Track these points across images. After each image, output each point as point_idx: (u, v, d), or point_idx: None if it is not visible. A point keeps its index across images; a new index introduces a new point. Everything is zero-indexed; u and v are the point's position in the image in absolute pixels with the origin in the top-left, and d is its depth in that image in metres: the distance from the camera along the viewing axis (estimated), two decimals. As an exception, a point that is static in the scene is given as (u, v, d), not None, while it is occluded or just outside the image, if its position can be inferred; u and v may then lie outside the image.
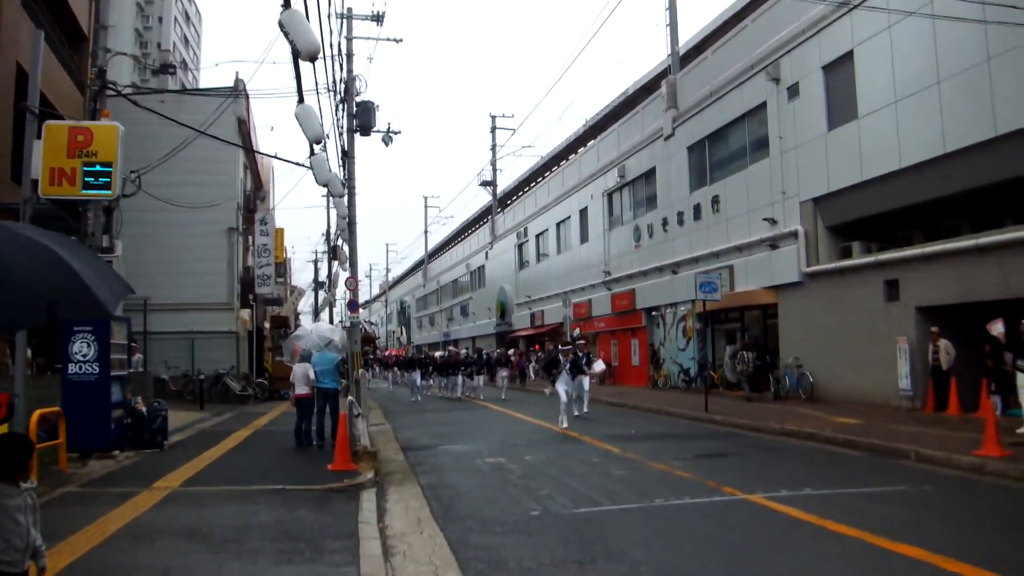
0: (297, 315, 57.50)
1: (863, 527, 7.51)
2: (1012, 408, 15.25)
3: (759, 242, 23.98)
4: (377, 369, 50.69)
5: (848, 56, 20.28)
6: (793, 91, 22.51)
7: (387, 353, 59.54)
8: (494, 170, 59.07)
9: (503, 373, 31.48)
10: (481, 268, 59.88)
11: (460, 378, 29.84)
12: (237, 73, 37.04)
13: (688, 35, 35.72)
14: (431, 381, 32.38)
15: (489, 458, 13.30)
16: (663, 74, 33.18)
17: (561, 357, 19.52)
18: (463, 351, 38.17)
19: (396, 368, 40.39)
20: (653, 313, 32.29)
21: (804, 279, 22.03)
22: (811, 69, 21.74)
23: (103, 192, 13.93)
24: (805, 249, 21.96)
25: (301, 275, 78.18)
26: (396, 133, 22.63)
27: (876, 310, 19.30)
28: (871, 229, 20.49)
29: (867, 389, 19.28)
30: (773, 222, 23.22)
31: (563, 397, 18.23)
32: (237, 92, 28.47)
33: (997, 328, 14.64)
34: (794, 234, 22.29)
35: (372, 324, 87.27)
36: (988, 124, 16.10)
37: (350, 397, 14.56)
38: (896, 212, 19.26)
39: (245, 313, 32.65)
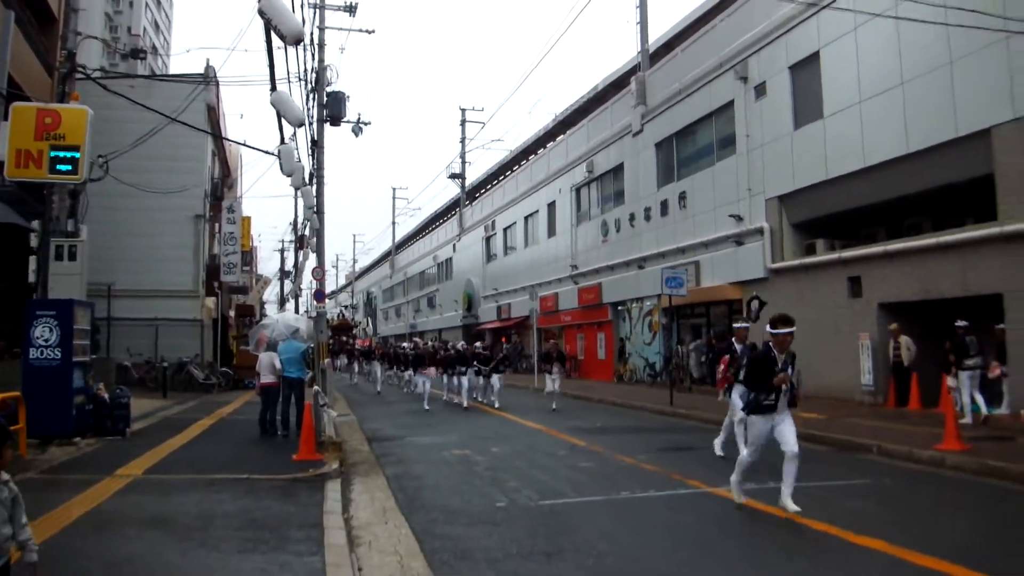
0: (263, 304, 56.93)
1: (827, 520, 7.65)
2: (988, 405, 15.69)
3: (725, 238, 24.20)
4: (362, 363, 39.98)
5: (814, 57, 20.51)
6: (760, 90, 22.73)
7: (365, 343, 52.40)
8: (463, 163, 59.05)
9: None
10: (448, 260, 59.82)
11: (467, 379, 22.16)
12: (208, 60, 36.88)
13: (658, 33, 35.87)
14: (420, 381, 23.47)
15: (455, 450, 13.33)
16: (633, 71, 33.34)
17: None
18: (442, 343, 33.01)
19: (384, 362, 31.79)
20: (619, 308, 32.46)
21: (769, 275, 22.28)
22: (778, 69, 21.96)
23: (70, 176, 13.73)
24: (770, 245, 22.21)
25: (267, 264, 77.81)
26: (366, 124, 22.47)
27: (840, 306, 19.58)
28: (835, 226, 20.76)
29: (831, 384, 19.55)
30: (739, 219, 23.45)
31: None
32: (207, 79, 28.18)
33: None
34: (760, 231, 22.52)
35: (351, 307, 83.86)
36: (950, 125, 16.39)
37: (316, 387, 14.49)
38: (860, 210, 19.54)
39: (210, 301, 32.36)
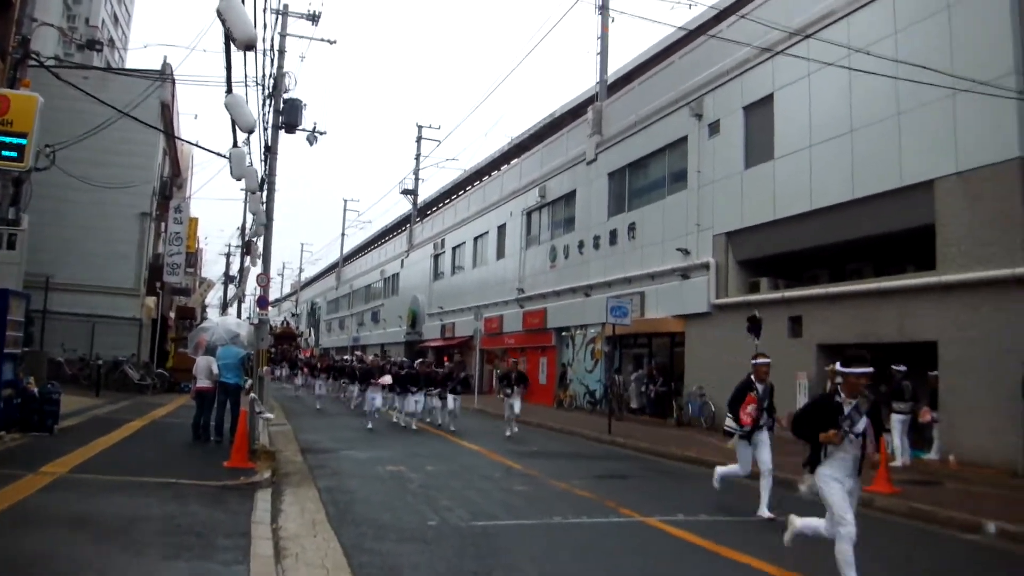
0: (204, 308, 55.99)
1: (755, 555, 7.72)
2: (915, 449, 16.01)
3: (671, 271, 24.43)
4: (305, 374, 37.22)
5: (768, 99, 20.89)
6: (714, 128, 23.08)
7: (307, 354, 49.30)
8: (416, 179, 58.96)
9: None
10: (396, 276, 59.51)
11: (420, 398, 20.59)
12: (165, 57, 36.49)
13: (618, 64, 36.30)
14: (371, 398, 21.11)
15: (390, 466, 13.23)
16: (590, 100, 33.64)
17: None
18: (388, 360, 28.87)
19: (329, 376, 29.99)
20: (563, 333, 32.55)
21: (712, 310, 22.52)
22: (733, 108, 22.33)
23: (15, 163, 13.41)
24: (715, 281, 22.47)
25: (212, 267, 76.46)
26: (322, 133, 22.32)
27: (780, 345, 19.80)
28: (780, 266, 21.09)
29: (765, 421, 19.73)
30: (686, 252, 23.70)
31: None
32: (164, 76, 27.81)
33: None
34: (706, 266, 22.78)
35: (295, 316, 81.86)
36: (895, 175, 16.78)
37: (252, 394, 14.27)
38: (805, 252, 19.88)
39: (151, 301, 31.77)
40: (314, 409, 26.53)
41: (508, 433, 19.18)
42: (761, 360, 10.38)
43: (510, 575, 6.82)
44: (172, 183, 35.47)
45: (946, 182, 15.71)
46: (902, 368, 15.35)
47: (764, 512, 9.60)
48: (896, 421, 15.09)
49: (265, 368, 17.17)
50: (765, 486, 9.87)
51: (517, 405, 19.57)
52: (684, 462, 15.47)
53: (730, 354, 21.54)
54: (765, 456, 10.12)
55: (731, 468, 10.61)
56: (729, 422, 10.56)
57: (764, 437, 10.27)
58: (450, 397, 20.72)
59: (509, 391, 19.71)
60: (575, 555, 7.75)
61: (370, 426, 19.79)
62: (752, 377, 10.40)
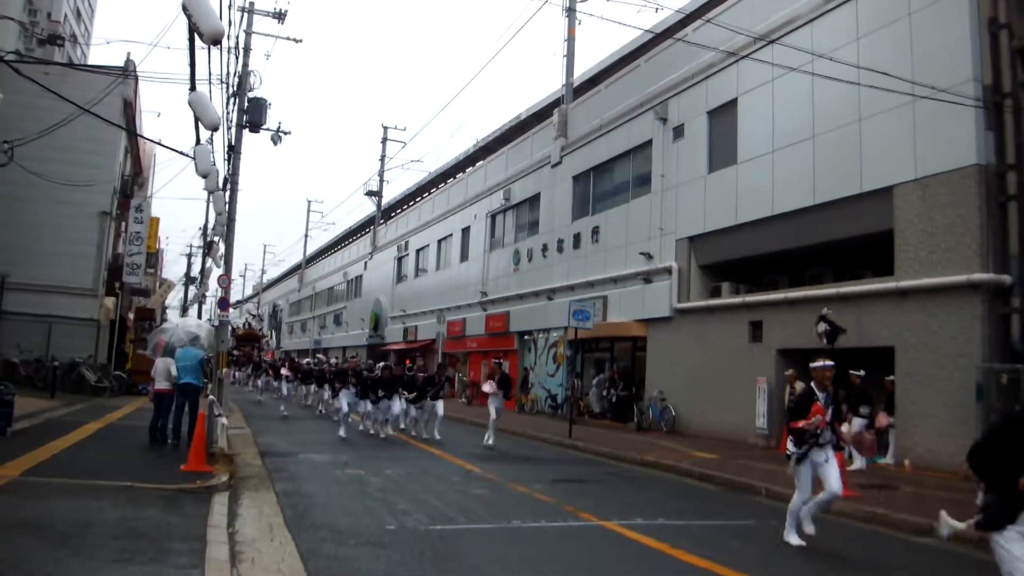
0: (164, 309, 55.24)
1: (711, 558, 7.69)
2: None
3: (634, 275, 24.48)
4: (269, 377, 35.77)
5: (732, 104, 21.01)
6: (679, 132, 23.17)
7: (268, 356, 47.89)
8: (381, 180, 58.65)
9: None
10: (359, 278, 59.18)
11: (396, 405, 19.00)
12: (128, 54, 35.73)
13: (584, 67, 36.38)
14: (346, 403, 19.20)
15: (349, 469, 13.10)
16: (556, 103, 33.68)
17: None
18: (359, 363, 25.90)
19: (295, 380, 28.47)
20: (526, 337, 32.51)
21: (674, 314, 22.59)
22: (697, 112, 22.43)
23: (-29, 158, 13.10)
24: (677, 285, 22.54)
25: (173, 268, 75.66)
26: (286, 133, 22.06)
27: (740, 349, 19.94)
28: (741, 271, 21.21)
29: (726, 425, 19.86)
30: (649, 257, 23.76)
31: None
32: (126, 73, 27.37)
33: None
34: (668, 270, 22.85)
35: (257, 318, 79.36)
36: (855, 180, 16.93)
37: (211, 396, 14.05)
38: (766, 256, 20.01)
39: (109, 301, 31.21)
40: (279, 415, 24.79)
41: (488, 441, 17.87)
42: (824, 364, 8.71)
43: (466, 579, 6.74)
44: (133, 182, 34.94)
45: (905, 188, 15.88)
46: (861, 373, 15.49)
47: (793, 538, 8.53)
48: (857, 425, 15.20)
49: (225, 370, 16.96)
50: (814, 508, 8.62)
51: (494, 410, 18.08)
52: (644, 466, 15.45)
53: (691, 359, 21.66)
54: (833, 477, 8.43)
55: (794, 501, 8.86)
56: (790, 445, 8.92)
57: (830, 455, 8.62)
58: (437, 403, 18.99)
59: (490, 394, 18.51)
60: (533, 559, 7.68)
61: (344, 435, 17.91)
62: (813, 385, 8.77)
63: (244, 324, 59.74)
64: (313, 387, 27.81)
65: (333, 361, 28.76)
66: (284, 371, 28.97)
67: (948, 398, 14.72)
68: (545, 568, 7.37)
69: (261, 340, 53.64)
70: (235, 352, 43.95)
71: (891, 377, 15.86)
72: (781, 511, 10.51)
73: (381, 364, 23.82)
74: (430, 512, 9.59)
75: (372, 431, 19.19)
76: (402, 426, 20.10)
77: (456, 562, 7.28)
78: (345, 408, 18.90)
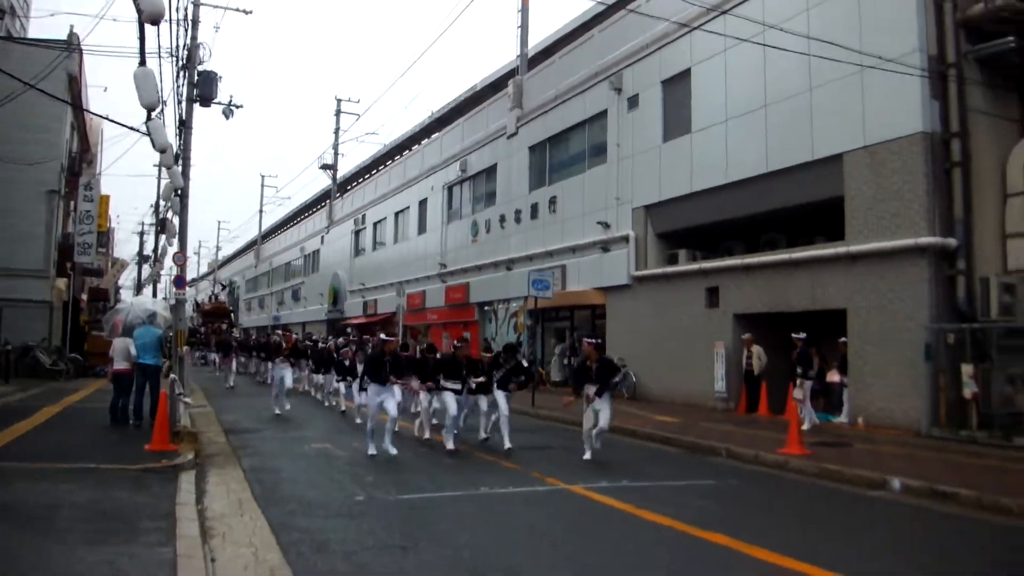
0: (118, 289, 54.27)
1: (675, 516, 7.97)
2: (825, 413, 16.70)
3: (592, 244, 24.72)
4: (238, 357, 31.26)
5: (686, 73, 21.22)
6: (633, 102, 23.35)
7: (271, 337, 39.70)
8: (336, 154, 58.18)
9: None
10: (316, 253, 58.79)
11: (454, 402, 13.11)
12: (72, 27, 34.69)
13: (539, 38, 36.29)
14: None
15: (315, 444, 13.21)
16: (511, 73, 33.63)
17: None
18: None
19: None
20: (486, 308, 32.67)
21: (632, 282, 22.89)
22: (651, 82, 22.61)
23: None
24: (635, 253, 22.82)
25: (125, 247, 74.32)
26: (238, 107, 21.85)
27: (697, 315, 20.31)
28: (697, 238, 21.53)
29: (686, 390, 20.25)
30: (606, 226, 24.00)
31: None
32: (71, 46, 26.79)
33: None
34: (625, 238, 23.12)
35: (229, 287, 74.58)
36: (807, 148, 17.27)
37: (172, 375, 14.01)
38: (721, 224, 20.33)
39: (61, 283, 30.75)
40: (271, 417, 17.35)
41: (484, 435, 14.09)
42: None
43: (439, 544, 6.92)
44: (81, 159, 34.28)
45: (854, 156, 16.25)
46: (802, 336, 15.89)
47: None
48: (804, 386, 15.63)
49: (185, 348, 16.87)
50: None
51: (483, 401, 13.87)
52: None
53: (650, 325, 22.00)
54: None
55: None
56: None
57: None
58: (500, 394, 13.43)
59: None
60: (502, 522, 7.90)
61: (372, 451, 12.02)
62: None
63: (210, 298, 57.17)
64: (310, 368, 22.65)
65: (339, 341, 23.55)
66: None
67: (898, 358, 15.21)
68: (514, 531, 7.59)
69: (231, 315, 51.23)
70: (202, 330, 43.12)
71: (843, 339, 16.32)
72: (741, 471, 10.90)
73: (341, 339, 23.59)
74: (399, 482, 9.77)
75: (426, 436, 14.08)
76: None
77: (426, 529, 7.47)
78: (391, 411, 12.65)
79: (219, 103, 20.36)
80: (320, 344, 23.01)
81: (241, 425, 15.61)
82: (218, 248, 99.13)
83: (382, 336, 12.98)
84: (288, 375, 18.79)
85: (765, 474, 11.10)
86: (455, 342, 14.54)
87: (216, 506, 8.25)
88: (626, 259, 23.07)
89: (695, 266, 20.69)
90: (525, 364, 15.15)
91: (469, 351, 14.41)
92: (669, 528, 7.64)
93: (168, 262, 33.94)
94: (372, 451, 12.01)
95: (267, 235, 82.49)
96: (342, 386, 18.31)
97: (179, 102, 18.96)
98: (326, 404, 20.16)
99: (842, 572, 6.17)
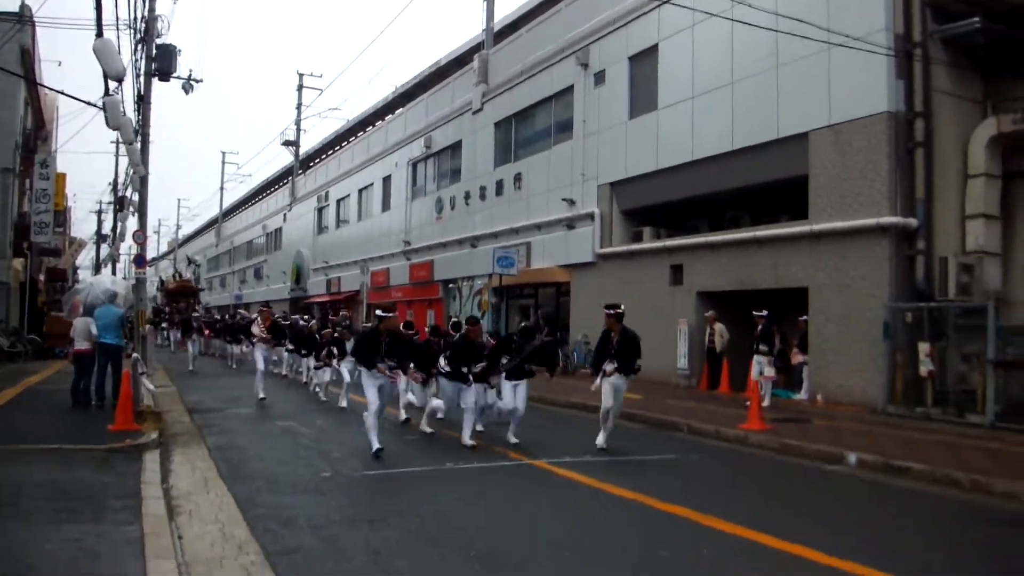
0: (76, 269, 53.34)
1: (637, 489, 8.03)
2: (786, 390, 16.89)
3: (557, 221, 24.70)
4: (207, 338, 31.09)
5: (653, 49, 21.18)
6: (600, 78, 23.29)
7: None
8: (298, 130, 57.62)
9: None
10: (278, 230, 58.28)
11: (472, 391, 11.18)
12: (24, -1, 33.77)
13: (504, 11, 36.10)
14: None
15: (280, 421, 13.15)
16: (476, 48, 33.36)
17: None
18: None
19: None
20: (451, 285, 32.58)
21: (597, 259, 22.92)
22: (618, 58, 22.55)
23: None
24: (600, 231, 22.84)
25: (83, 226, 73.00)
26: (198, 81, 21.44)
27: (661, 293, 20.40)
28: (662, 216, 21.60)
29: (649, 367, 20.14)
30: (572, 203, 23.98)
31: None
32: (23, 19, 26.13)
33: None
34: (591, 216, 23.12)
35: (195, 264, 68.76)
36: (772, 126, 17.34)
37: (135, 355, 13.82)
38: (686, 201, 20.41)
39: (18, 263, 30.10)
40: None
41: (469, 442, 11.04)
42: None
43: (406, 518, 6.91)
44: (36, 136, 33.50)
45: (819, 134, 16.34)
46: (763, 313, 16.01)
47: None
48: (763, 363, 15.77)
49: (147, 327, 16.66)
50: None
51: (469, 397, 11.28)
52: (570, 408, 15.81)
53: (613, 302, 22.04)
54: None
55: None
56: None
57: None
58: (507, 386, 11.62)
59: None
60: (467, 496, 7.92)
61: (377, 447, 9.95)
62: None
63: (174, 275, 55.59)
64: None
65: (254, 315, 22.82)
66: (257, 329, 18.37)
67: (858, 336, 15.39)
68: (479, 503, 7.62)
69: (198, 293, 49.42)
70: (166, 310, 42.28)
71: (805, 317, 16.48)
72: (703, 446, 11.00)
73: (307, 316, 23.27)
74: (364, 459, 9.74)
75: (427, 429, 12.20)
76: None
77: (392, 503, 7.49)
78: (413, 400, 13.10)
79: (178, 77, 19.99)
80: (301, 321, 21.78)
81: (205, 405, 15.45)
82: (178, 227, 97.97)
83: (378, 312, 10.84)
84: (260, 357, 16.72)
85: (726, 449, 11.22)
86: (465, 320, 12.43)
87: (182, 484, 8.21)
88: (591, 236, 23.09)
89: (660, 244, 20.76)
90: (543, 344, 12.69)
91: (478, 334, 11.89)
92: (633, 501, 7.69)
93: (127, 241, 33.41)
94: (376, 445, 9.91)
95: (228, 213, 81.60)
96: (327, 373, 16.69)
97: (137, 76, 18.61)
98: (314, 391, 17.36)
99: (796, 542, 6.26)
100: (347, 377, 15.52)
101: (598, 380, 10.85)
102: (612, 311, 11.02)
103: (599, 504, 7.65)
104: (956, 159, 15.69)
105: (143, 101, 18.03)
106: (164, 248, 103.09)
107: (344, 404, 15.22)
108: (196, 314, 34.56)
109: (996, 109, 15.78)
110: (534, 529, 6.70)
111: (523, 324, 11.93)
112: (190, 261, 62.79)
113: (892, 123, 15.11)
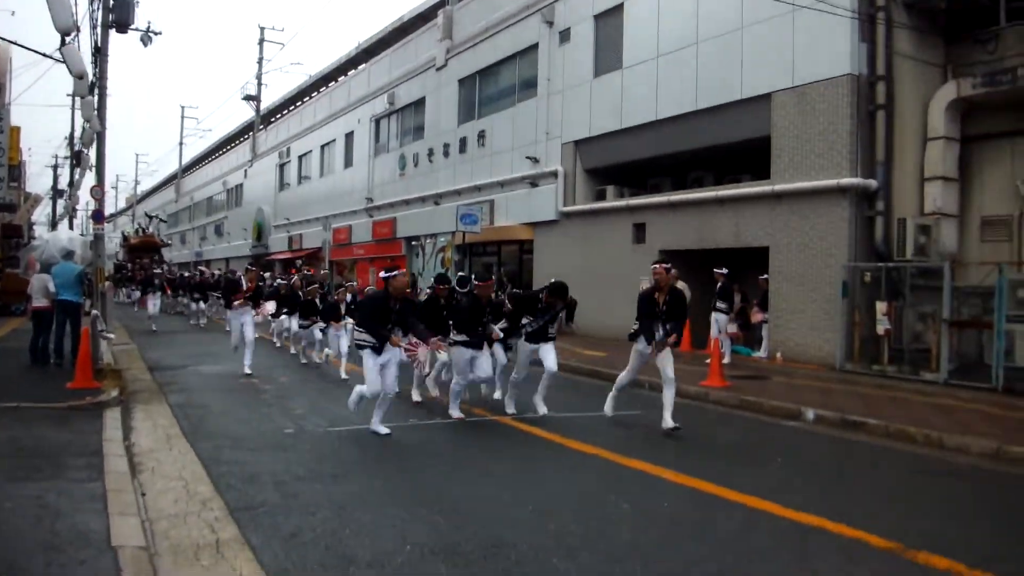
0: (31, 225, 52.15)
1: (600, 445, 8.17)
2: (746, 347, 17.14)
3: (521, 179, 24.66)
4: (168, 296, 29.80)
5: (619, 8, 21.08)
6: (565, 36, 23.15)
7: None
8: (259, 84, 56.72)
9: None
10: (239, 187, 57.54)
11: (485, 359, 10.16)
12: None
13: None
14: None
15: (242, 378, 13.07)
16: (441, 3, 32.91)
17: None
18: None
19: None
20: (414, 243, 32.48)
21: (560, 218, 22.97)
22: (583, 16, 22.41)
23: None
24: (563, 189, 22.86)
25: (38, 181, 71.29)
26: (156, 33, 21.07)
27: (624, 251, 20.52)
28: (625, 174, 21.65)
29: (613, 325, 20.45)
30: (535, 161, 23.94)
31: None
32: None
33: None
34: (554, 174, 23.11)
35: (158, 219, 64.05)
36: (736, 87, 17.40)
37: (94, 312, 13.64)
38: (649, 160, 20.47)
39: (-29, 220, 29.54)
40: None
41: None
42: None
43: (369, 473, 6.98)
44: (-12, 88, 32.66)
45: (782, 96, 16.44)
46: (723, 271, 16.18)
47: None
48: (721, 320, 15.95)
49: (107, 283, 16.42)
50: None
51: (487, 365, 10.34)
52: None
53: (577, 261, 22.16)
54: None
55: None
56: None
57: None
58: (543, 348, 10.47)
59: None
60: (431, 452, 8.00)
61: (385, 430, 8.70)
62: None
63: (136, 231, 52.15)
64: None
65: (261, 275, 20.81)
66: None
67: (816, 295, 15.64)
68: (442, 456, 7.69)
69: (162, 249, 47.18)
70: (128, 266, 41.57)
71: (765, 276, 16.68)
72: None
73: (267, 274, 22.84)
74: (328, 415, 9.77)
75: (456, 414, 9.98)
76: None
77: (357, 458, 7.54)
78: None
79: (137, 29, 19.61)
80: (279, 281, 19.52)
81: (166, 362, 15.34)
82: (136, 182, 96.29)
83: (383, 274, 9.08)
84: (250, 324, 14.13)
85: (687, 405, 11.35)
86: (478, 276, 10.98)
87: (144, 442, 8.17)
88: (554, 194, 23.10)
89: (623, 202, 20.83)
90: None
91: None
92: (594, 456, 7.81)
93: (84, 196, 32.79)
94: (384, 429, 8.63)
95: (188, 169, 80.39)
96: (316, 331, 15.22)
97: (94, 28, 18.18)
98: (303, 360, 15.87)
99: (751, 494, 6.42)
100: (318, 335, 15.30)
101: (642, 348, 9.59)
102: (663, 265, 9.50)
103: (561, 458, 7.76)
104: (916, 122, 15.88)
105: (100, 53, 17.62)
106: (122, 204, 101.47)
107: (319, 360, 15.42)
108: (158, 271, 33.65)
109: (956, 73, 15.97)
110: (498, 483, 6.78)
111: (553, 281, 10.35)
112: (151, 217, 60.99)
113: (854, 85, 15.24)
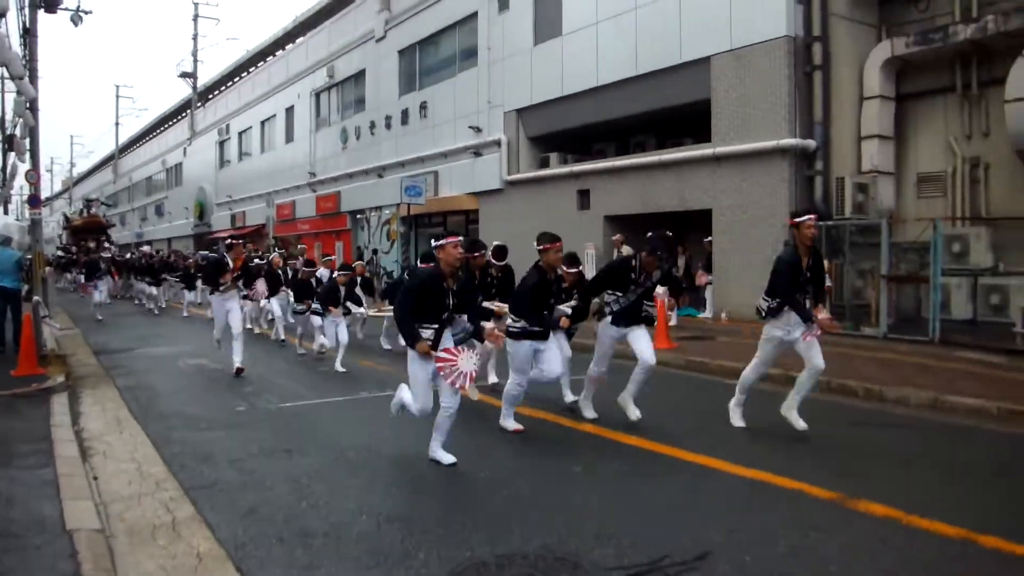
0: (-35, 212, 50.61)
1: (546, 409, 8.43)
2: (691, 308, 17.37)
3: (464, 149, 24.61)
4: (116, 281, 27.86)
5: (556, -26, 21.05)
6: (504, 4, 23.05)
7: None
8: (195, 61, 55.62)
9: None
10: (178, 165, 56.53)
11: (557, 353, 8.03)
12: None
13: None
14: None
15: (190, 359, 13.01)
16: (377, -27, 32.58)
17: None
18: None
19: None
20: (358, 216, 32.29)
21: (505, 186, 23.00)
22: (521, -17, 22.34)
23: None
24: (507, 158, 22.88)
25: (-32, 166, 69.33)
26: (87, 12, 20.49)
27: (569, 217, 20.62)
28: (569, 141, 21.73)
29: (559, 293, 20.66)
30: (478, 130, 23.90)
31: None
32: None
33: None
34: (497, 143, 23.11)
35: (105, 204, 58.78)
36: (675, 51, 17.53)
37: (36, 298, 13.39)
38: (592, 127, 20.56)
39: (-102, 205, 28.67)
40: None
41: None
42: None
43: (323, 447, 7.00)
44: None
45: (721, 59, 16.60)
46: (667, 233, 16.34)
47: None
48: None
49: (47, 269, 16.13)
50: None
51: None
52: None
53: (523, 229, 22.20)
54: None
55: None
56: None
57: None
58: (635, 332, 8.40)
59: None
60: (385, 424, 7.99)
61: (446, 460, 6.62)
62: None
63: (80, 212, 49.27)
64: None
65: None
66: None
67: (759, 255, 15.83)
68: (397, 430, 7.72)
69: (108, 229, 44.64)
70: (72, 249, 40.40)
71: (709, 238, 16.91)
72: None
73: (213, 252, 22.51)
74: (279, 392, 9.77)
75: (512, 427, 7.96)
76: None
77: (310, 434, 7.55)
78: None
79: (66, 9, 19.09)
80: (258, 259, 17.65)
81: (111, 345, 15.13)
82: (72, 164, 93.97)
83: (435, 242, 7.01)
84: (236, 312, 11.94)
85: (633, 368, 11.54)
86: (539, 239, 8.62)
87: (93, 426, 8.10)
88: (498, 163, 23.11)
89: (566, 169, 20.92)
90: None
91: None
92: (541, 420, 7.96)
93: (18, 181, 31.97)
94: (447, 458, 6.44)
95: (125, 149, 78.62)
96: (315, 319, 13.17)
97: (21, 8, 17.70)
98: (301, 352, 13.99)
99: (700, 452, 6.63)
100: (278, 311, 15.25)
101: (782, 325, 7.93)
102: (809, 218, 7.47)
103: (527, 427, 7.82)
104: (852, 82, 16.15)
105: (29, 34, 17.18)
106: (58, 187, 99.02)
107: (322, 352, 13.11)
108: (107, 254, 32.03)
109: (890, 32, 16.26)
110: (451, 449, 6.81)
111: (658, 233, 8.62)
112: (90, 202, 56.87)
113: (791, 47, 15.46)
